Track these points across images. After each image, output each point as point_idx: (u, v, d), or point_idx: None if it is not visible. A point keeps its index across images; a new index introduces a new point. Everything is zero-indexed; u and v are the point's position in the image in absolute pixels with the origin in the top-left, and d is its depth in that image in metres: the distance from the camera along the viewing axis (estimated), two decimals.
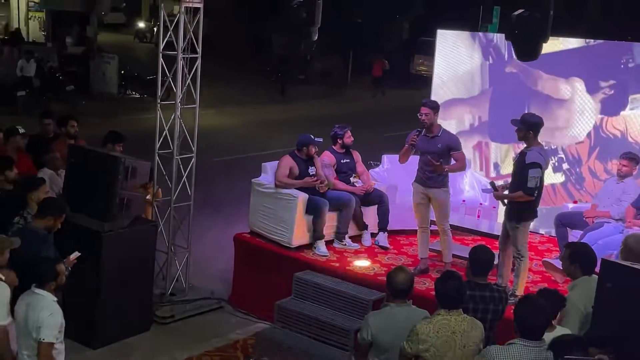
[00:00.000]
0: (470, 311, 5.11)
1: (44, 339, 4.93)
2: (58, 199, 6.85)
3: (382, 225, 8.68)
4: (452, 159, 7.64)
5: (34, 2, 26.97)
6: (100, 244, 7.20)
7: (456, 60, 10.18)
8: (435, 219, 7.89)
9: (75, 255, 6.05)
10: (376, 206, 8.69)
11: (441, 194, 7.71)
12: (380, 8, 28.42)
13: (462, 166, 7.80)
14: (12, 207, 6.51)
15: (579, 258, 5.67)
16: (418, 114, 7.66)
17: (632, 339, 4.49)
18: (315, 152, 8.47)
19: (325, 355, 7.07)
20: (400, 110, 21.11)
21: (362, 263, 8.10)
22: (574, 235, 8.06)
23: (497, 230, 8.01)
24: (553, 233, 8.60)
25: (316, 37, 7.67)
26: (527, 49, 6.56)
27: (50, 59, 22.44)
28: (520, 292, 7.13)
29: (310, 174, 8.38)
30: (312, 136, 8.50)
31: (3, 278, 5.21)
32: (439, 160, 7.51)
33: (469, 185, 9.58)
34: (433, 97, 9.61)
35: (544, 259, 8.36)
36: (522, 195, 7.02)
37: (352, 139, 8.77)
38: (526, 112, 8.35)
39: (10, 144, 8.24)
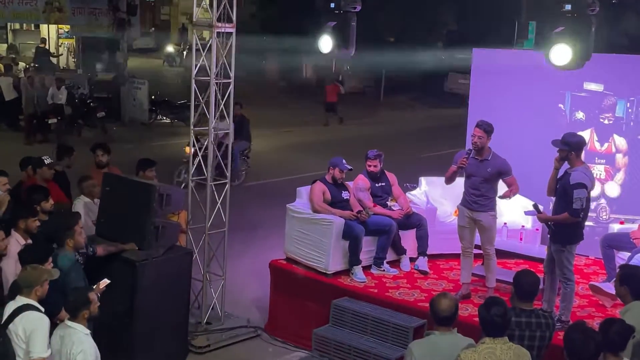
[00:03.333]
0: (516, 339, 5.06)
1: None
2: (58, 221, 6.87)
3: (422, 249, 8.65)
4: (501, 182, 7.66)
5: (64, 29, 27.40)
6: (135, 273, 7.23)
7: (493, 77, 10.15)
8: (480, 243, 7.85)
9: (104, 282, 6.10)
10: (415, 230, 8.66)
11: (488, 217, 7.71)
12: (412, 27, 28.45)
13: (517, 190, 7.78)
14: (45, 239, 6.58)
15: (628, 281, 5.61)
16: (471, 135, 7.68)
17: None
18: (341, 176, 8.46)
19: None
20: (436, 130, 21.09)
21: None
22: (621, 258, 7.96)
23: (542, 254, 7.94)
24: (599, 255, 8.46)
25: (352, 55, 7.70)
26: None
27: (81, 85, 22.69)
28: (567, 317, 7.07)
29: (345, 198, 8.42)
30: (343, 160, 8.51)
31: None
32: (486, 183, 7.55)
33: (511, 207, 9.48)
34: (471, 117, 9.56)
35: (591, 283, 8.27)
36: (567, 217, 6.98)
37: (378, 167, 8.66)
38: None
39: (38, 174, 8.37)
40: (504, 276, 7.94)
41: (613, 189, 9.38)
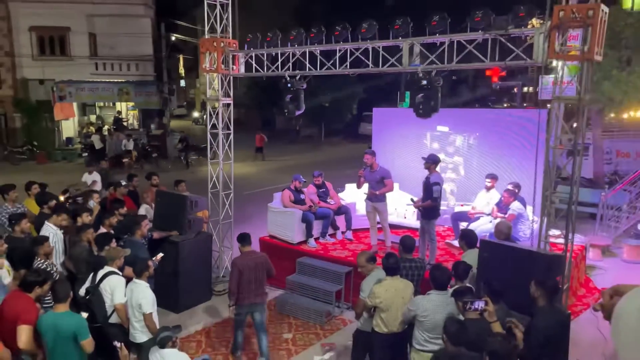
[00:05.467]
0: (403, 276, 5.08)
1: (146, 311, 4.86)
2: (131, 219, 6.69)
3: (348, 226, 8.64)
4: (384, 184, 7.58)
5: (131, 104, 27.04)
6: (177, 248, 7.13)
7: (386, 124, 10.22)
8: (379, 221, 7.85)
9: (160, 255, 5.99)
10: (343, 215, 8.65)
11: (382, 206, 7.66)
12: (338, 94, 28.60)
13: (389, 189, 7.59)
14: (123, 230, 6.47)
15: (465, 238, 5.68)
16: (364, 158, 7.68)
17: (505, 289, 4.49)
18: (300, 185, 8.39)
19: (317, 308, 7.04)
20: (354, 156, 21.13)
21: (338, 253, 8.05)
22: (463, 225, 8.01)
23: (417, 225, 8.01)
24: (450, 225, 8.57)
25: (301, 113, 7.74)
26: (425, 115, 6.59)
27: (142, 138, 22.47)
28: (433, 261, 7.11)
29: (302, 198, 8.39)
30: (300, 176, 8.51)
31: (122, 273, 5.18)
32: (377, 184, 7.47)
33: (398, 199, 9.55)
34: (374, 147, 9.61)
35: (446, 241, 8.36)
36: (429, 203, 7.04)
37: (320, 180, 8.55)
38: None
39: (118, 192, 8.25)
40: (396, 239, 7.99)
41: (456, 186, 9.43)
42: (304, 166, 19.59)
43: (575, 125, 5.24)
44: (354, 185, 8.32)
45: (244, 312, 5.75)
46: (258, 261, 5.69)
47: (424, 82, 6.04)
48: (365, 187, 7.82)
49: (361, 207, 8.75)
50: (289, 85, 7.34)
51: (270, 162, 22.55)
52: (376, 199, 7.62)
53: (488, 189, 8.12)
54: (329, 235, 8.50)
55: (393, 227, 8.68)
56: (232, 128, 8.33)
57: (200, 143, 22.69)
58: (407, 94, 23.19)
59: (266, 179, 17.71)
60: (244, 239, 5.74)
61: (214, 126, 8.29)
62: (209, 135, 8.40)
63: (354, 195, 9.25)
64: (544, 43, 5.17)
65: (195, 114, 45.78)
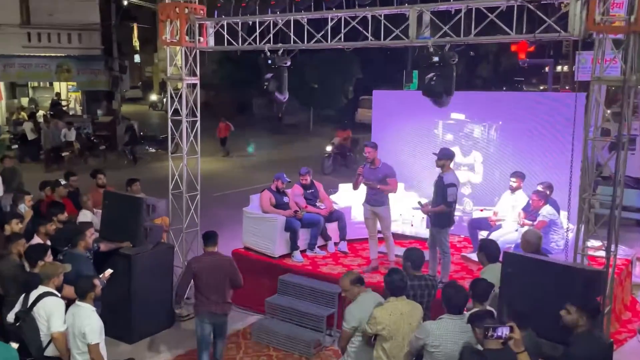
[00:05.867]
0: (411, 297, 5.08)
1: (91, 342, 4.81)
2: (73, 228, 6.72)
3: (342, 235, 8.65)
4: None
5: (73, 85, 26.86)
6: (130, 263, 7.09)
7: (388, 111, 10.22)
8: (380, 229, 7.88)
9: (108, 272, 5.98)
10: (336, 222, 8.67)
11: (384, 210, 7.69)
12: (330, 74, 28.63)
13: (393, 188, 7.66)
14: (62, 241, 6.42)
15: (485, 249, 5.70)
16: (364, 152, 7.69)
17: (534, 312, 4.52)
18: (283, 186, 8.39)
19: (303, 336, 7.03)
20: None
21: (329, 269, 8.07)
22: (482, 235, 8.06)
23: (427, 235, 7.99)
24: (467, 234, 8.61)
25: (286, 100, 7.73)
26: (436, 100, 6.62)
27: (86, 126, 22.44)
28: (446, 279, 7.12)
29: (285, 202, 8.38)
30: (284, 174, 8.50)
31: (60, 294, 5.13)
32: (379, 184, 7.52)
33: (403, 203, 9.59)
34: (373, 139, 9.64)
35: (462, 254, 8.43)
36: (443, 208, 7.08)
37: (308, 180, 8.55)
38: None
39: (56, 192, 8.25)
40: (400, 252, 8.01)
41: (474, 187, 9.49)
42: (289, 162, 19.55)
43: (619, 112, 5.29)
44: (350, 185, 8.32)
45: (205, 324, 5.97)
46: (219, 264, 5.93)
47: (436, 58, 6.07)
48: (364, 189, 7.81)
49: (358, 213, 8.76)
50: (269, 62, 7.32)
51: (242, 157, 22.51)
52: (376, 202, 7.65)
53: (513, 190, 8.19)
54: (318, 247, 8.50)
55: (397, 237, 8.72)
56: (198, 114, 8.30)
57: (159, 133, 22.61)
58: (415, 73, 23.38)
59: (241, 178, 17.67)
60: (209, 237, 6.00)
61: (176, 112, 8.26)
62: (170, 123, 8.36)
63: (349, 198, 9.26)
64: (582, 12, 5.22)
65: (153, 97, 45.60)
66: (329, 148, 19.01)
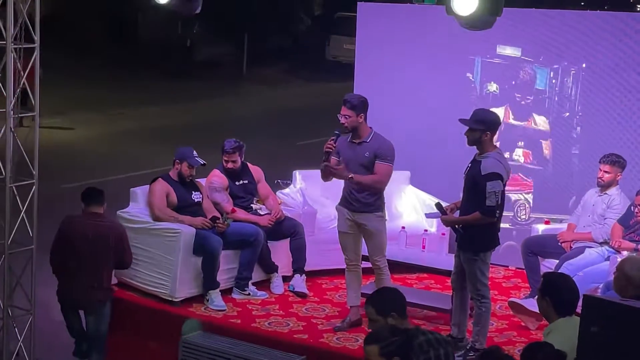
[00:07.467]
0: None
1: None
2: None
3: (298, 264, 8.72)
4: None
5: None
6: None
7: (384, 40, 10.29)
8: (367, 254, 7.90)
9: None
10: (289, 240, 8.73)
11: (374, 220, 7.69)
12: None
13: (378, 181, 7.58)
14: None
15: (550, 291, 5.67)
16: (338, 115, 7.62)
17: None
18: (190, 173, 8.43)
19: None
20: (317, 109, 21.27)
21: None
22: (546, 267, 8.19)
23: (449, 265, 7.92)
24: (521, 264, 8.72)
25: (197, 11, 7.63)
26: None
27: None
28: (482, 344, 7.15)
29: (196, 201, 8.42)
30: (194, 152, 8.46)
31: None
32: (366, 171, 7.51)
33: (411, 206, 9.60)
34: (357, 91, 9.64)
35: (511, 299, 8.46)
36: (479, 217, 7.09)
37: (237, 160, 8.69)
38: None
39: None
40: (409, 296, 8.01)
41: (536, 182, 9.62)
42: (202, 129, 19.58)
43: None
44: (314, 172, 8.32)
45: (70, 313, 6.75)
46: (103, 232, 6.65)
47: None
48: (340, 183, 7.82)
49: (330, 222, 8.76)
50: None
51: (118, 117, 22.43)
52: (362, 205, 7.64)
53: (604, 185, 8.32)
54: (253, 284, 8.56)
55: (397, 267, 8.74)
56: (37, 37, 8.18)
57: None
58: None
59: (113, 156, 17.63)
60: (92, 194, 6.91)
61: None
62: None
63: (312, 196, 9.34)
64: None
65: None
66: None
